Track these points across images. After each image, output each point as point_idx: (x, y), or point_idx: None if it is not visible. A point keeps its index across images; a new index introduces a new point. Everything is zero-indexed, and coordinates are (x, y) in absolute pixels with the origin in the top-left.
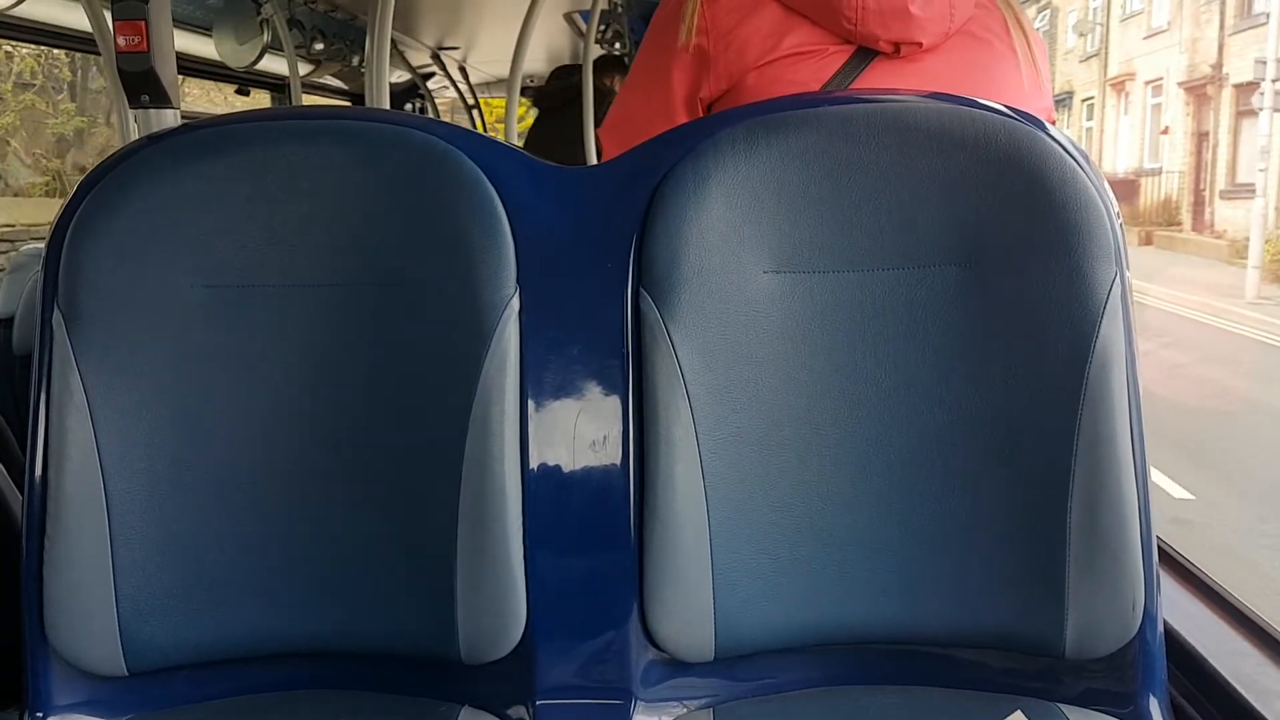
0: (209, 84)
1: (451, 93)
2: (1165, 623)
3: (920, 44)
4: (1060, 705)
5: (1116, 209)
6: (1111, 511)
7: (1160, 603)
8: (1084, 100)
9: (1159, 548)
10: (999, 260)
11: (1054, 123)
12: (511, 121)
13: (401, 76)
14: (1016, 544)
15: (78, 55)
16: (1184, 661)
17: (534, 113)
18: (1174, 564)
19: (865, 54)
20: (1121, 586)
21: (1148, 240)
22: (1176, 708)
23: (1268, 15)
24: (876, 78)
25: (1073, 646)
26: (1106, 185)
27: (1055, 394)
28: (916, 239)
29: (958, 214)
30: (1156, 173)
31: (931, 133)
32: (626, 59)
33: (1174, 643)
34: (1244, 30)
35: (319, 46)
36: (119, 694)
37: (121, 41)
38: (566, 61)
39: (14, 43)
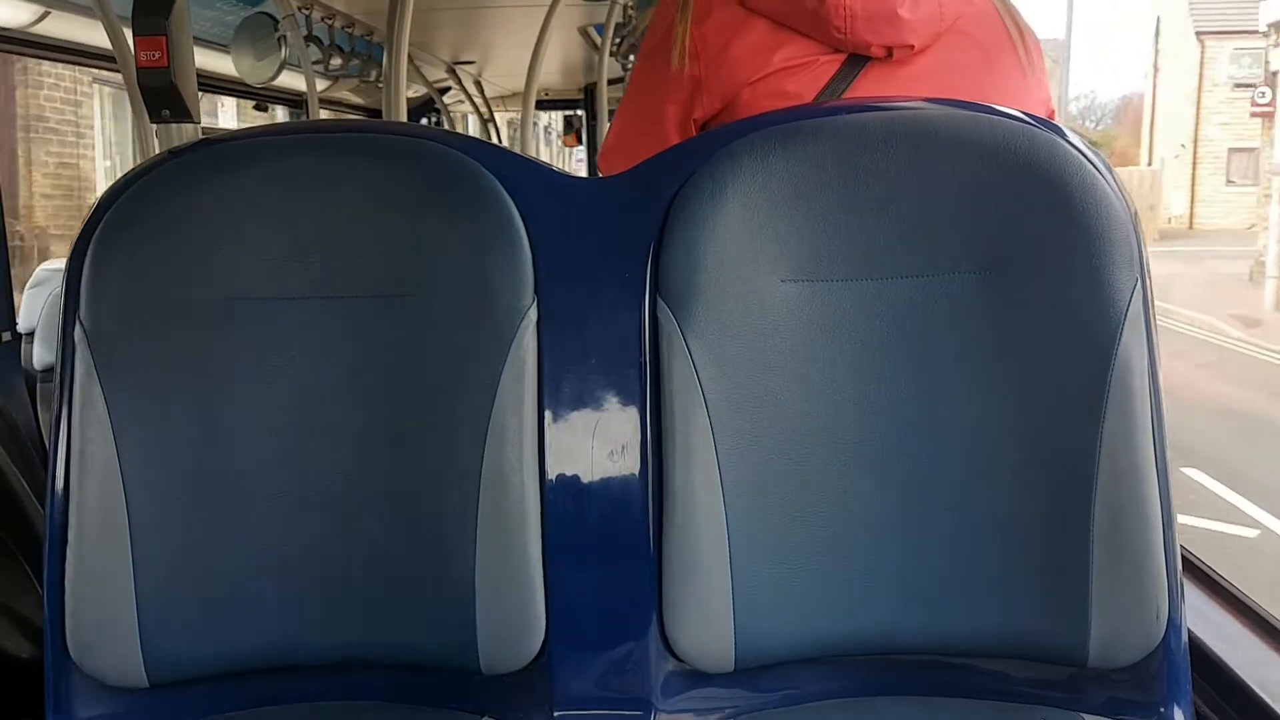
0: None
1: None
2: (1190, 632)
3: (912, 46)
4: (1084, 715)
5: (1136, 216)
6: (1134, 520)
7: (1185, 612)
8: None
9: (1183, 556)
10: (1018, 268)
11: (1053, 115)
12: (527, 132)
13: (418, 91)
14: (1038, 553)
15: None
16: (1209, 671)
17: None
18: (1199, 573)
19: (857, 61)
20: (1145, 595)
21: None
22: (1202, 717)
23: None
24: (870, 83)
25: (1096, 656)
26: (1126, 192)
27: (1077, 402)
28: (934, 246)
29: (976, 221)
30: None
31: (948, 139)
32: None
33: (1199, 652)
34: None
35: (336, 62)
36: (140, 706)
37: (142, 56)
38: (581, 74)
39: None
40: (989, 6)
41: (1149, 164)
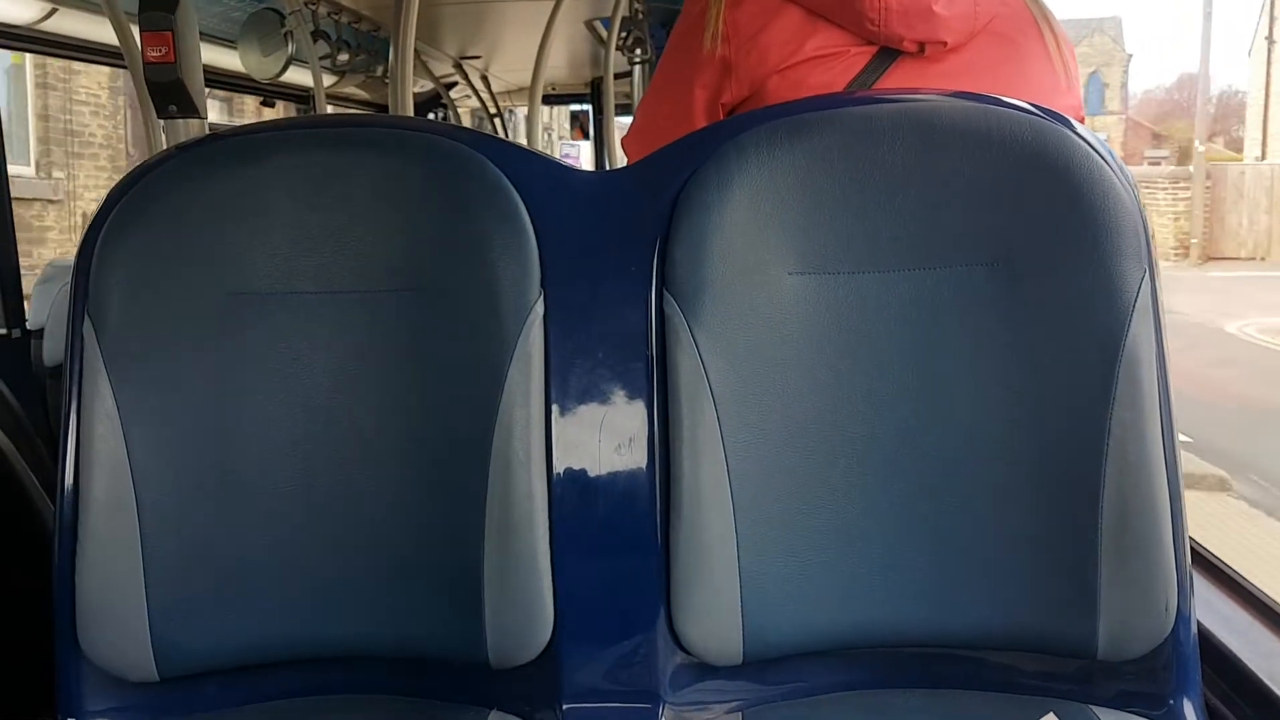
0: None
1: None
2: (1199, 624)
3: (945, 43)
4: (1093, 707)
5: (1144, 208)
6: (1143, 512)
7: (1194, 604)
8: None
9: (1192, 548)
10: (1026, 260)
11: (1082, 120)
12: (535, 126)
13: (425, 86)
14: (1047, 545)
15: None
16: (1219, 663)
17: None
18: (1208, 565)
19: (888, 54)
20: (1154, 587)
21: None
22: (1211, 709)
23: None
24: (900, 78)
25: (1105, 648)
26: (1134, 184)
27: (1085, 394)
28: (942, 239)
29: (984, 214)
30: None
31: (956, 132)
32: (647, 66)
33: (1208, 644)
34: None
35: (343, 58)
36: (150, 700)
37: (149, 52)
38: (587, 69)
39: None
40: (1023, 9)
41: (1260, 156)
